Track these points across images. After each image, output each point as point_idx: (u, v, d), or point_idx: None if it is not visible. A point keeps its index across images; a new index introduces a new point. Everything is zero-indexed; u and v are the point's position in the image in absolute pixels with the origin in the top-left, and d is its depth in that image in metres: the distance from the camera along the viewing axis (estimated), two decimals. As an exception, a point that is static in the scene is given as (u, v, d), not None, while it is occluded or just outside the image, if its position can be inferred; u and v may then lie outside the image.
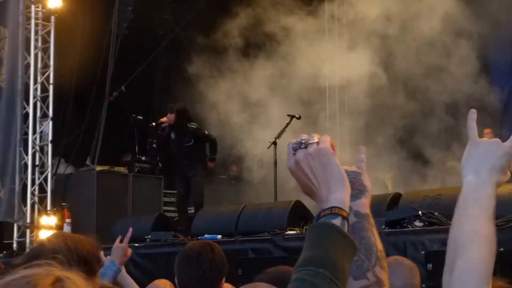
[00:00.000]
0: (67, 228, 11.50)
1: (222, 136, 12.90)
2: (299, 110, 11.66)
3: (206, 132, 11.31)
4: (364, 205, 2.02)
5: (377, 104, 12.34)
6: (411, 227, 7.80)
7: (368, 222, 2.01)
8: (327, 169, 1.78)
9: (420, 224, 7.81)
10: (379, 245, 1.99)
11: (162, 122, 11.22)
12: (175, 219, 11.41)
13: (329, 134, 1.85)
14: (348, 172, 2.03)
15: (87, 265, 2.52)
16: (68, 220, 11.58)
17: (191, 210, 11.24)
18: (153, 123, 11.41)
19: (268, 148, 11.01)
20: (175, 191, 11.94)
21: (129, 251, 4.59)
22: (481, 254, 1.81)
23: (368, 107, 12.70)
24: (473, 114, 1.99)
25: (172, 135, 11.20)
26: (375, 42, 12.27)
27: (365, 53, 12.23)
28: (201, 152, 11.25)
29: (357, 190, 2.03)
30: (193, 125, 11.15)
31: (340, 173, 1.79)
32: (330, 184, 1.77)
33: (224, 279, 3.86)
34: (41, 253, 2.50)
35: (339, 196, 1.75)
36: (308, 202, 9.97)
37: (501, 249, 6.95)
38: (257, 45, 12.91)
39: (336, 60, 12.86)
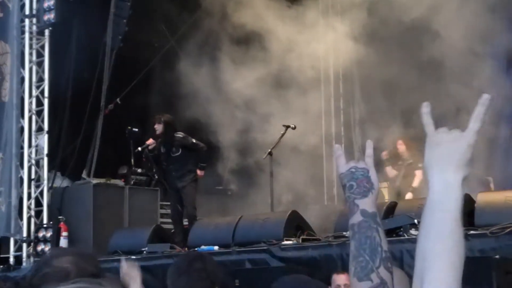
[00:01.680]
0: (63, 242, 11.49)
1: (220, 146, 12.96)
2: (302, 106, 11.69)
3: (194, 141, 11.23)
4: (371, 203, 2.01)
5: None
6: (407, 236, 7.82)
7: (375, 221, 2.00)
8: None
9: (416, 232, 7.79)
10: (385, 245, 1.97)
11: (148, 145, 11.28)
12: (172, 231, 11.40)
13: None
14: (357, 169, 2.04)
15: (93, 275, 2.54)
16: (64, 234, 11.56)
17: (186, 222, 11.24)
18: (139, 148, 11.48)
19: (264, 158, 11.05)
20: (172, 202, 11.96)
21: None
22: (449, 263, 1.73)
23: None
24: (426, 108, 1.83)
25: (162, 148, 11.22)
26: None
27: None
28: (190, 162, 11.18)
29: (365, 188, 2.02)
30: (179, 135, 11.14)
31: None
32: None
33: None
34: (51, 269, 2.51)
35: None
36: (304, 213, 10.01)
37: (497, 257, 6.98)
38: (252, 52, 12.94)
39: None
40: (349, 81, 14.29)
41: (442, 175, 1.80)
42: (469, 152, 1.79)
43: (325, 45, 13.50)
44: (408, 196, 11.13)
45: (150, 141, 11.28)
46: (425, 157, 1.84)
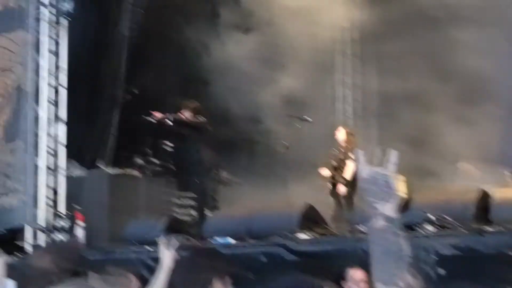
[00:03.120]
0: (79, 231, 11.54)
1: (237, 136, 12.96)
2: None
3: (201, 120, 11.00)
4: (393, 208, 2.03)
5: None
6: (422, 231, 7.77)
7: (397, 226, 2.01)
8: None
9: (431, 228, 7.78)
10: (408, 250, 1.99)
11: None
12: (187, 221, 11.41)
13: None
14: (379, 174, 2.05)
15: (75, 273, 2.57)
16: (81, 223, 11.61)
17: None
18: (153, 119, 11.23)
19: (281, 151, 11.02)
20: (188, 193, 11.98)
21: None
22: None
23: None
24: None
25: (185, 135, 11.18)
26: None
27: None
28: (204, 151, 11.09)
29: (386, 193, 2.03)
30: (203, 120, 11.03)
31: None
32: None
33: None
34: (32, 271, 2.53)
35: None
36: (319, 205, 9.99)
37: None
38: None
39: None
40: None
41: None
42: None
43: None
44: (342, 189, 10.87)
45: (158, 114, 11.09)
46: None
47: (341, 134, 11.22)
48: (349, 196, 10.93)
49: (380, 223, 1.99)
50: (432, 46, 11.77)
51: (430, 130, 11.93)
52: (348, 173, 10.95)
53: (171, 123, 11.12)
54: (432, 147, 11.79)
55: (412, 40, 12.20)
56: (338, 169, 11.09)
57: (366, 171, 2.09)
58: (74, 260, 2.65)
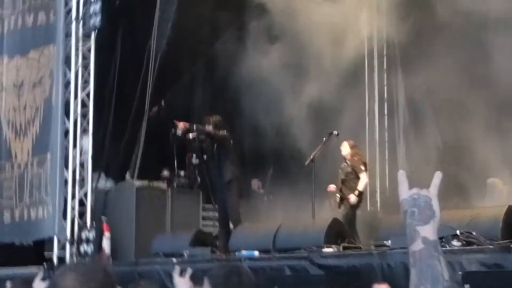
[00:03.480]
0: (106, 243, 11.61)
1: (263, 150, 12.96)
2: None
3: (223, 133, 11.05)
4: (432, 231, 2.02)
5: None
6: (449, 247, 7.73)
7: (436, 249, 2.00)
8: None
9: (458, 243, 7.74)
10: (446, 274, 1.98)
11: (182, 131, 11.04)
12: (214, 234, 11.43)
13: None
14: (419, 196, 2.06)
15: None
16: (107, 235, 11.69)
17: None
18: (179, 132, 11.18)
19: (306, 164, 11.01)
20: (214, 205, 12.02)
21: None
22: None
23: None
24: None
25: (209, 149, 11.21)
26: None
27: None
28: (228, 164, 11.04)
29: (426, 215, 2.02)
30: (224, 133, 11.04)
31: None
32: None
33: None
34: None
35: None
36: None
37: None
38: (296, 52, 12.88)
39: None
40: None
41: None
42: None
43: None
44: (353, 198, 10.92)
45: (181, 124, 11.07)
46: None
47: (345, 148, 11.28)
48: (358, 207, 11.05)
49: (420, 245, 1.99)
50: (464, 54, 11.61)
51: (461, 143, 11.79)
52: (361, 185, 11.03)
53: (194, 134, 11.12)
54: (464, 160, 11.66)
55: (443, 49, 12.10)
56: (345, 182, 11.16)
57: (406, 192, 2.09)
58: (100, 280, 2.66)
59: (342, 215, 10.78)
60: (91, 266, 2.74)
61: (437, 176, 2.11)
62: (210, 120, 11.07)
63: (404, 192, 2.08)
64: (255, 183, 14.04)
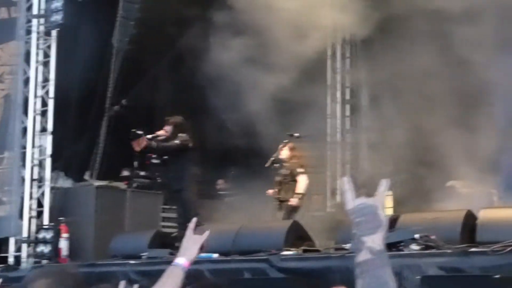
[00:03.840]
0: (64, 243, 11.45)
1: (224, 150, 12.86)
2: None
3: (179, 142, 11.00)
4: (379, 240, 1.97)
5: None
6: (407, 251, 7.72)
7: (382, 259, 1.96)
8: None
9: (417, 247, 7.73)
10: (392, 284, 1.93)
11: (157, 136, 11.11)
12: (173, 235, 11.33)
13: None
14: (366, 205, 1.99)
15: None
16: (65, 235, 11.52)
17: None
18: (148, 136, 11.23)
19: (266, 165, 10.96)
20: (174, 207, 11.91)
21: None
22: None
23: None
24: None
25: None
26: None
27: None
28: (187, 166, 10.99)
29: (373, 225, 1.98)
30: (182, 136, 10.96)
31: None
32: None
33: None
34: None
35: None
36: (305, 220, 9.92)
37: (497, 276, 6.87)
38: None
39: None
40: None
41: None
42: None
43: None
44: (294, 201, 10.89)
45: (161, 132, 11.04)
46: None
47: (284, 152, 11.22)
48: (298, 209, 11.00)
49: (366, 256, 1.93)
50: (428, 50, 11.56)
51: (425, 143, 11.75)
52: (300, 188, 10.98)
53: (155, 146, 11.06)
54: (427, 161, 11.63)
55: (407, 45, 12.06)
56: (282, 184, 11.10)
57: (352, 202, 2.02)
58: (71, 285, 2.57)
59: (281, 218, 10.73)
60: (61, 271, 2.66)
61: (383, 184, 2.06)
62: (171, 121, 11.00)
63: (350, 201, 2.02)
64: (221, 183, 13.97)
